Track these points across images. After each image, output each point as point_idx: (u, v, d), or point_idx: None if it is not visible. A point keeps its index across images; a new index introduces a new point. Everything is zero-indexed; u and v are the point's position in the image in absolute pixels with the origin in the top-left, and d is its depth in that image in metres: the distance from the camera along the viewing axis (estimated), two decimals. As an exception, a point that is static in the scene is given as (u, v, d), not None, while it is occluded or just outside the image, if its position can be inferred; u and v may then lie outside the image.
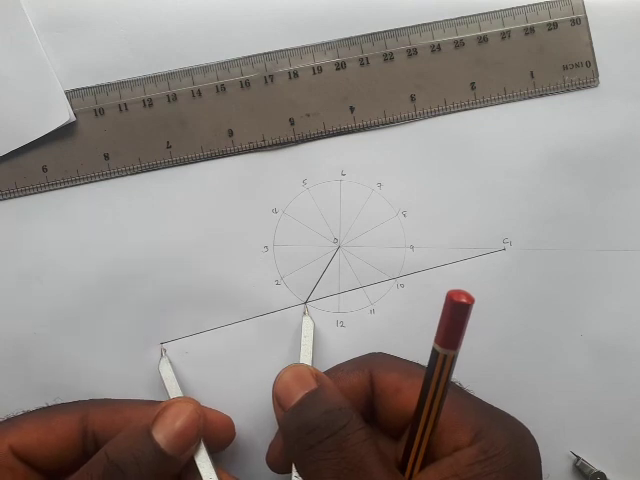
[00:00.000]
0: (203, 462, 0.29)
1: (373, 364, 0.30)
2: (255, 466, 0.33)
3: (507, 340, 0.34)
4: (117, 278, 0.33)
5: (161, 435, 0.27)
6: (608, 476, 0.32)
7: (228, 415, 0.32)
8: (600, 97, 0.34)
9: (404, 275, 0.34)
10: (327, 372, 0.30)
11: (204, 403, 0.31)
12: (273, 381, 0.28)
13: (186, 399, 0.30)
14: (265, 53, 0.33)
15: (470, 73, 0.34)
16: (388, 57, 0.34)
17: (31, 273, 0.33)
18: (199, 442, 0.29)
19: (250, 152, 0.34)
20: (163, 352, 0.32)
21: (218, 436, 0.31)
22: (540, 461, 0.26)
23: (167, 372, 0.32)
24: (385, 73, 0.34)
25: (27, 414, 0.30)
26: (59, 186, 0.33)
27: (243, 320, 0.33)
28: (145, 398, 0.32)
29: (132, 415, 0.29)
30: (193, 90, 0.33)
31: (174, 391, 0.31)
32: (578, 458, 0.33)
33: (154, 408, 0.28)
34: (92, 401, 0.31)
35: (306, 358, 0.31)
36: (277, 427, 0.29)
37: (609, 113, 0.34)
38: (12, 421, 0.29)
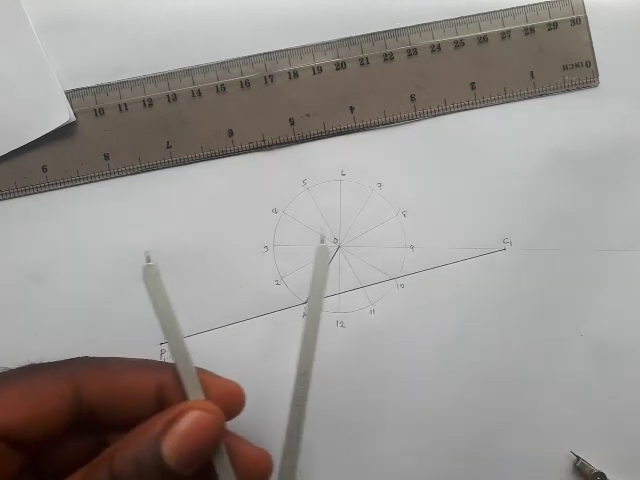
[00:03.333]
0: (222, 469, 0.25)
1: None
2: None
3: (507, 340, 0.33)
4: (117, 278, 0.33)
5: (170, 450, 0.23)
6: (608, 476, 0.32)
7: (264, 450, 0.27)
8: (600, 97, 0.34)
9: (404, 275, 0.34)
10: None
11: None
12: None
13: (205, 404, 0.24)
14: (265, 53, 0.33)
15: (470, 73, 0.34)
16: (388, 57, 0.34)
17: (31, 273, 0.33)
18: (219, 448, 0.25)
19: (250, 152, 0.34)
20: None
21: (250, 475, 0.26)
22: None
23: (155, 285, 0.25)
24: (385, 73, 0.34)
25: (9, 381, 0.25)
26: (59, 186, 0.33)
27: (243, 320, 0.33)
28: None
29: (132, 385, 0.25)
30: (193, 90, 0.33)
31: (164, 314, 0.25)
32: (578, 458, 0.33)
33: (164, 415, 0.23)
34: (85, 365, 0.26)
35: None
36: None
37: (609, 113, 0.34)
38: None
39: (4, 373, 0.25)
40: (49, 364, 0.26)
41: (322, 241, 0.25)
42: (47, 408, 0.24)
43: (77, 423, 0.25)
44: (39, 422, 0.24)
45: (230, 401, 0.26)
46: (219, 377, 0.27)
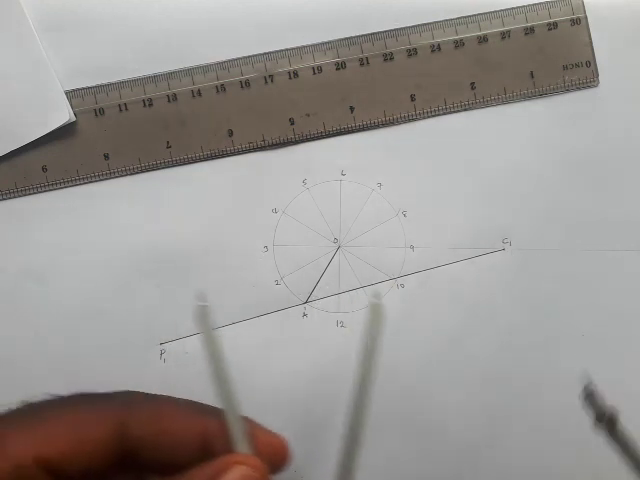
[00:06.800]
0: None
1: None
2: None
3: (507, 340, 0.34)
4: (117, 278, 0.33)
5: None
6: None
7: (283, 438, 0.26)
8: (600, 97, 0.34)
9: (404, 275, 0.34)
10: None
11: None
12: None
13: (251, 460, 0.23)
14: (265, 53, 0.33)
15: (470, 73, 0.34)
16: (388, 57, 0.34)
17: (31, 273, 0.33)
18: None
19: (250, 152, 0.34)
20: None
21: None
22: None
23: (206, 326, 0.23)
24: (385, 73, 0.34)
25: (55, 411, 0.24)
26: (59, 186, 0.33)
27: (243, 320, 0.33)
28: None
29: (179, 429, 0.25)
30: (193, 90, 0.33)
31: (214, 357, 0.25)
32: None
33: (208, 467, 0.22)
34: (133, 402, 0.26)
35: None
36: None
37: (609, 113, 0.34)
38: (39, 421, 0.24)
39: (53, 401, 0.25)
40: (97, 396, 0.26)
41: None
42: (91, 444, 0.24)
43: (118, 460, 0.24)
44: (81, 456, 0.23)
45: (275, 457, 0.25)
46: (266, 430, 0.25)
